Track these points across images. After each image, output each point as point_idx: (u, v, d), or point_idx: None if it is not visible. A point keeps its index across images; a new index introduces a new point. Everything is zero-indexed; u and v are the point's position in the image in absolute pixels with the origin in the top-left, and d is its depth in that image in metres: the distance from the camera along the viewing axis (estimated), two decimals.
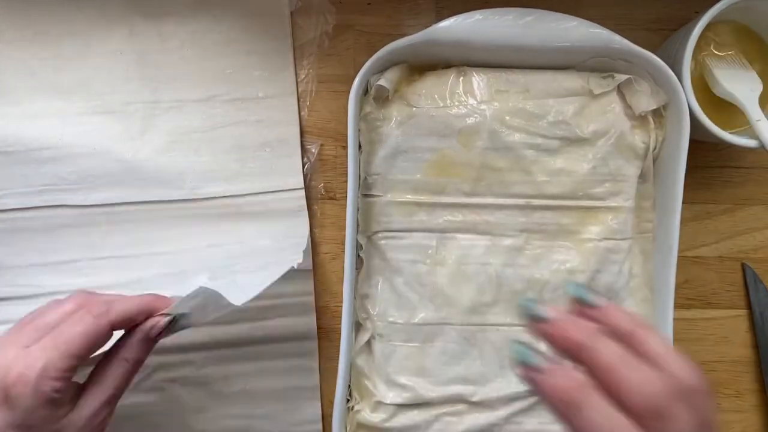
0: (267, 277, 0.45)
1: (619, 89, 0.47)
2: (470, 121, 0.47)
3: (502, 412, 0.47)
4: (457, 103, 0.47)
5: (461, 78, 0.48)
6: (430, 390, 0.47)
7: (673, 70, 0.45)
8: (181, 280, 0.51)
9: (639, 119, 0.47)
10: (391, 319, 0.47)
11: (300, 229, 0.51)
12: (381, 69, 0.47)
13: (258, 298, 0.50)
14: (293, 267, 0.51)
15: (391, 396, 0.47)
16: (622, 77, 0.47)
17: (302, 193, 0.51)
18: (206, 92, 0.51)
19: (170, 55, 0.51)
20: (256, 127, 0.51)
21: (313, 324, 0.51)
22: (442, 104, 0.47)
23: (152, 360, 0.50)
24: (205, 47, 0.51)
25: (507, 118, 0.47)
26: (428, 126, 0.47)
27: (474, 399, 0.47)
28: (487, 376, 0.47)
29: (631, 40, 0.46)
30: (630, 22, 0.51)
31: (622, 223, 0.48)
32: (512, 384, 0.47)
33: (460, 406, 0.47)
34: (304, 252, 0.51)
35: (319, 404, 0.51)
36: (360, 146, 0.47)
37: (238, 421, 0.51)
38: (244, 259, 0.51)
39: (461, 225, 0.48)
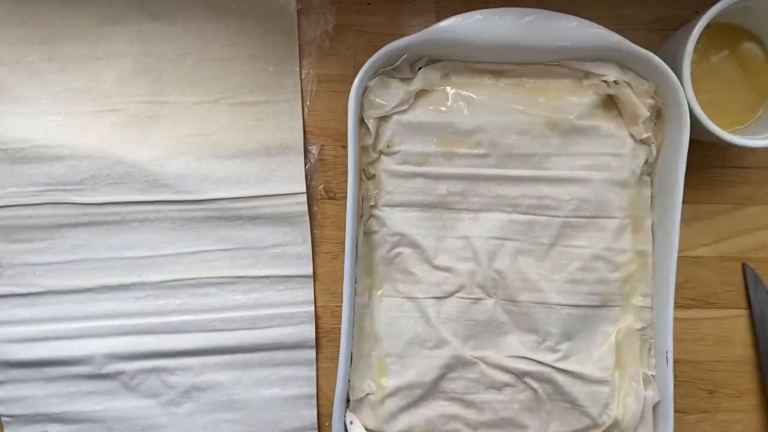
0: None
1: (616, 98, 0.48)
2: (472, 122, 0.47)
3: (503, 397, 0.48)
4: (457, 106, 0.48)
5: (461, 78, 0.48)
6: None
7: (673, 70, 0.45)
8: (187, 289, 0.51)
9: (638, 121, 0.47)
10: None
11: (301, 235, 0.51)
12: (383, 67, 0.47)
13: (258, 306, 0.51)
14: (293, 274, 0.51)
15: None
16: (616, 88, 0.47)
17: (304, 198, 0.51)
18: (212, 95, 0.51)
19: (177, 58, 0.51)
20: (260, 131, 0.51)
21: (312, 333, 0.51)
22: (444, 108, 0.48)
23: (150, 363, 0.50)
24: (212, 50, 0.51)
25: (505, 119, 0.47)
26: (428, 128, 0.48)
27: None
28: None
29: (631, 40, 0.46)
30: (630, 22, 0.51)
31: (620, 223, 0.48)
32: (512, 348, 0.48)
33: None
34: (305, 259, 0.51)
35: (315, 412, 0.51)
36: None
37: (234, 426, 0.51)
38: (245, 264, 0.51)
39: (459, 206, 0.48)
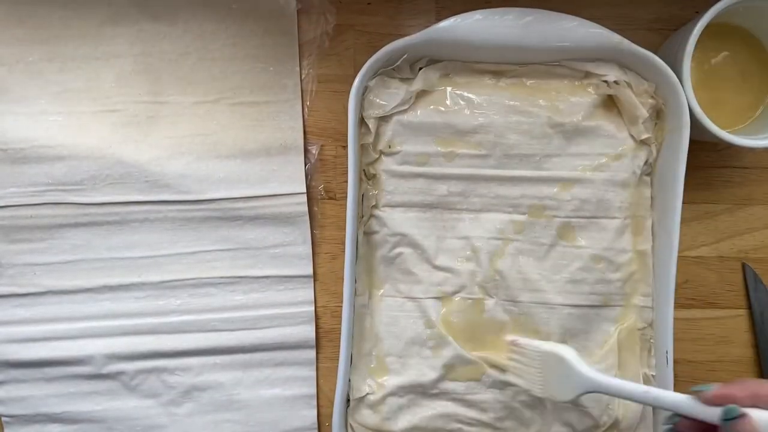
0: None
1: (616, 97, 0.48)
2: (472, 122, 0.47)
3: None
4: (457, 106, 0.48)
5: (462, 78, 0.48)
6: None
7: (673, 70, 0.45)
8: (187, 289, 0.51)
9: (638, 122, 0.47)
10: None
11: (301, 235, 0.51)
12: (383, 67, 0.47)
13: (258, 306, 0.51)
14: (293, 274, 0.51)
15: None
16: (615, 87, 0.47)
17: (304, 198, 0.51)
18: (212, 95, 0.51)
19: (177, 58, 0.51)
20: (260, 131, 0.51)
21: (312, 333, 0.51)
22: (444, 109, 0.48)
23: (150, 364, 0.50)
24: (212, 50, 0.51)
25: (505, 119, 0.47)
26: (429, 128, 0.48)
27: None
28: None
29: (631, 40, 0.46)
30: (630, 22, 0.51)
31: (621, 223, 0.48)
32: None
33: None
34: (305, 259, 0.51)
35: (315, 412, 0.51)
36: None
37: (234, 427, 0.51)
38: (245, 264, 0.51)
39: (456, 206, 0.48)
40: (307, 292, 0.51)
